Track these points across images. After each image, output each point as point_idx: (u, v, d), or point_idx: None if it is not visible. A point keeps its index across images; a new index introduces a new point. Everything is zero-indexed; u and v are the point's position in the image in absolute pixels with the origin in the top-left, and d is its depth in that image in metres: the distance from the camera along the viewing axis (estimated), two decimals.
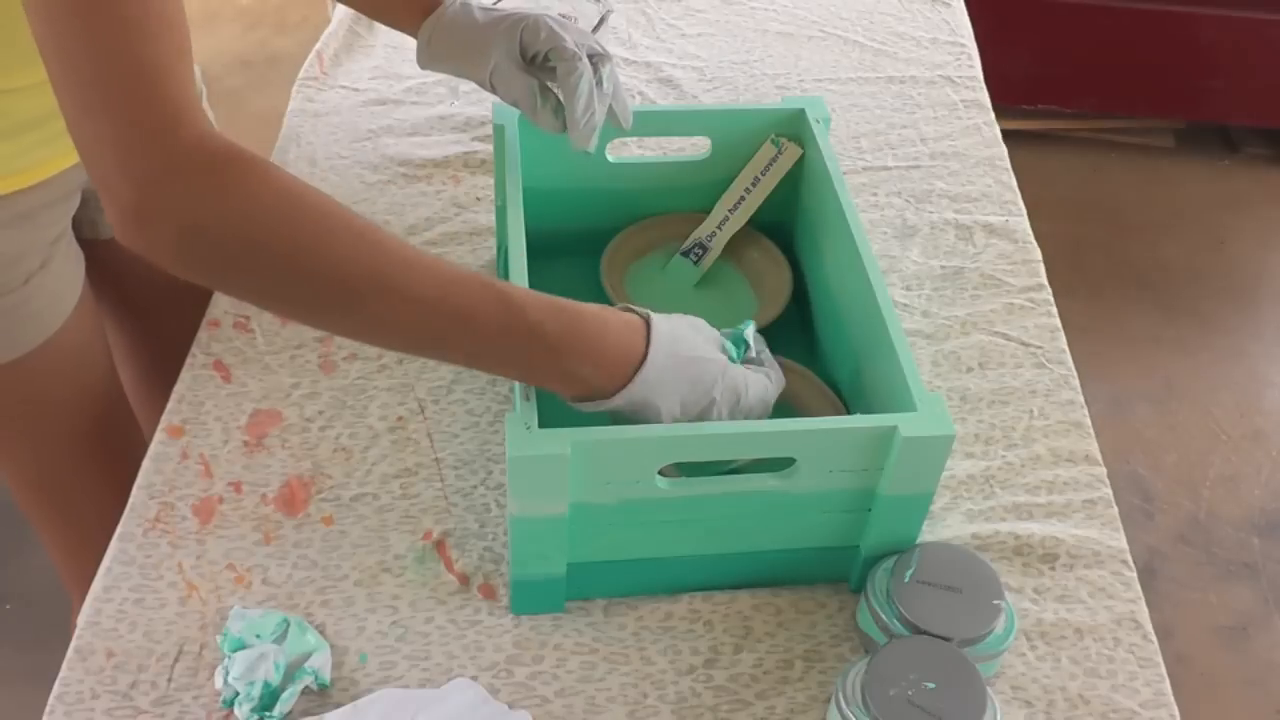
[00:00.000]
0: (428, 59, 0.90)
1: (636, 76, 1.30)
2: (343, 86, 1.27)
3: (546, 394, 0.74)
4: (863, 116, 1.26)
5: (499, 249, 1.02)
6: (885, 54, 1.36)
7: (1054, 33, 2.47)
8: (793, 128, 0.98)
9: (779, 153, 0.98)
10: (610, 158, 0.98)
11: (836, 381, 0.91)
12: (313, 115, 1.23)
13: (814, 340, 0.97)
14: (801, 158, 0.98)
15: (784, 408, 0.90)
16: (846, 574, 0.82)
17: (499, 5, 1.12)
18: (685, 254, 1.01)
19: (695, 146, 1.04)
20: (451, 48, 0.89)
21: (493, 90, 0.88)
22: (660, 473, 0.73)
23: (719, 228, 1.00)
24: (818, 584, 0.82)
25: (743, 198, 0.99)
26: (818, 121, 0.96)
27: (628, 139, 1.06)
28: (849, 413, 0.87)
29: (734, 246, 1.01)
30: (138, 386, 1.38)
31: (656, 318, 0.74)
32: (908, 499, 0.76)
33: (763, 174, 0.99)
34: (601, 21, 1.17)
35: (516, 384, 0.74)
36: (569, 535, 0.74)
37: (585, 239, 0.99)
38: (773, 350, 0.92)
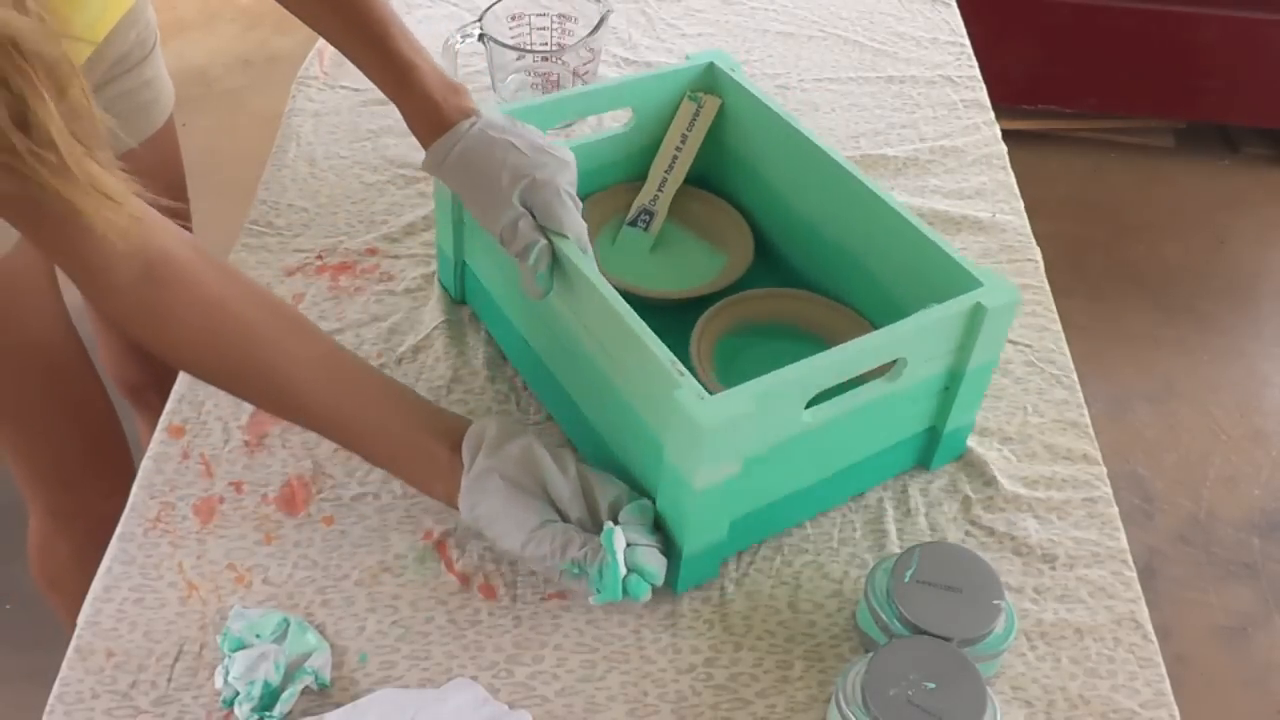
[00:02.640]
0: (437, 172, 0.87)
1: None
2: (343, 86, 1.27)
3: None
4: (863, 116, 1.26)
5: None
6: (885, 54, 1.36)
7: (1054, 33, 2.47)
8: (705, 83, 1.01)
9: (699, 107, 1.00)
10: None
11: (843, 298, 0.94)
12: (312, 115, 1.23)
13: (794, 280, 0.99)
14: (721, 108, 1.00)
15: (815, 340, 0.92)
16: (925, 460, 0.88)
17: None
18: (632, 223, 1.02)
19: (616, 120, 1.05)
20: (463, 175, 0.85)
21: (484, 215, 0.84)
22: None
23: (659, 190, 1.01)
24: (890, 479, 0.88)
25: (675, 156, 1.01)
26: (732, 70, 0.99)
27: (555, 130, 1.07)
28: (873, 325, 0.89)
29: (680, 208, 1.02)
30: (135, 386, 1.38)
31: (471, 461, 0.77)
32: (981, 370, 0.83)
33: (689, 130, 1.01)
34: (601, 22, 1.17)
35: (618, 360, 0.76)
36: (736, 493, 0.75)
37: None
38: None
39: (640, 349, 0.74)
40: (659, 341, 0.74)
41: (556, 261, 0.80)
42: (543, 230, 0.81)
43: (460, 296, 0.99)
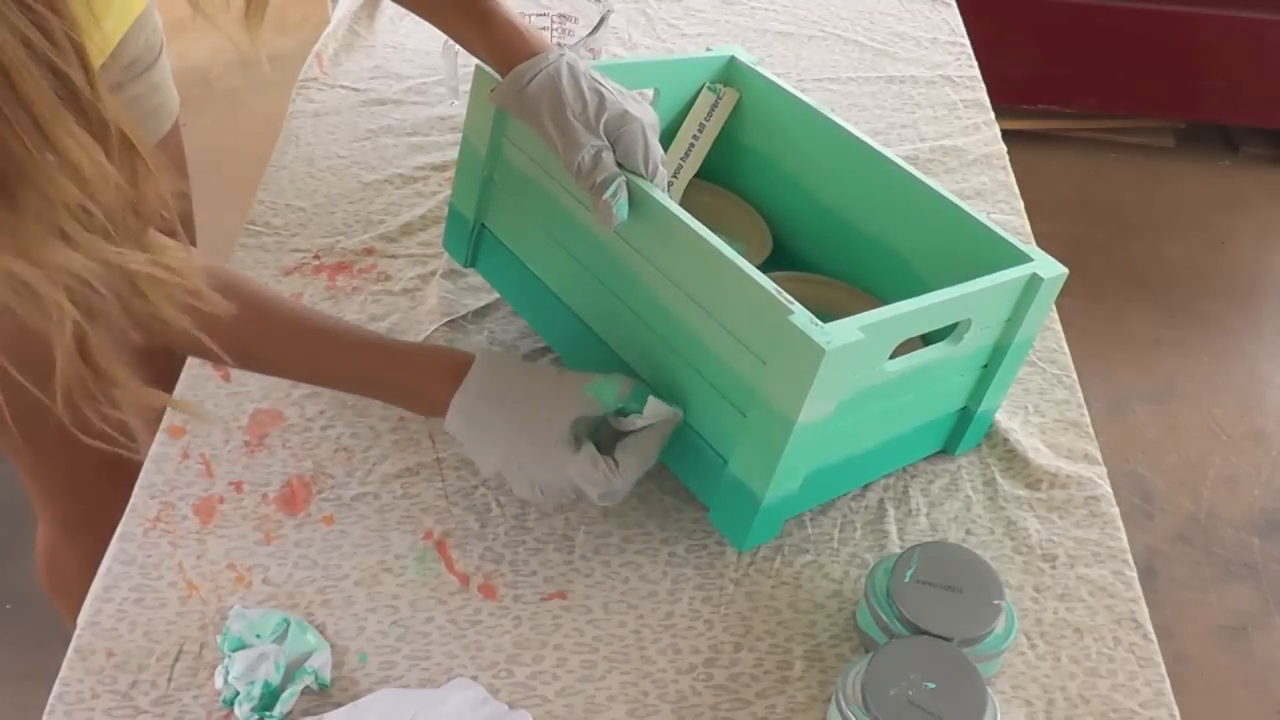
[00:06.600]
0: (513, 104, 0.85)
1: None
2: (342, 86, 1.27)
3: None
4: (863, 116, 1.26)
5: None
6: (885, 54, 1.36)
7: (1054, 33, 2.47)
8: (725, 76, 1.01)
9: (718, 98, 1.01)
10: None
11: (866, 288, 0.95)
12: (312, 115, 1.23)
13: (810, 272, 0.99)
14: (737, 103, 1.00)
15: (827, 317, 0.91)
16: (951, 444, 0.90)
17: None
18: None
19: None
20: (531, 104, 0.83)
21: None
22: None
23: (673, 178, 1.01)
24: (920, 460, 0.90)
25: (691, 145, 1.01)
26: (754, 65, 0.99)
27: None
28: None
29: (693, 200, 1.02)
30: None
31: (478, 364, 0.79)
32: (1021, 346, 0.85)
33: (706, 120, 1.01)
34: (601, 22, 1.17)
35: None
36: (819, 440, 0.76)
37: None
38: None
39: (742, 281, 0.73)
40: (760, 273, 0.73)
41: (633, 200, 0.79)
42: (620, 166, 0.81)
43: (469, 261, 0.98)
